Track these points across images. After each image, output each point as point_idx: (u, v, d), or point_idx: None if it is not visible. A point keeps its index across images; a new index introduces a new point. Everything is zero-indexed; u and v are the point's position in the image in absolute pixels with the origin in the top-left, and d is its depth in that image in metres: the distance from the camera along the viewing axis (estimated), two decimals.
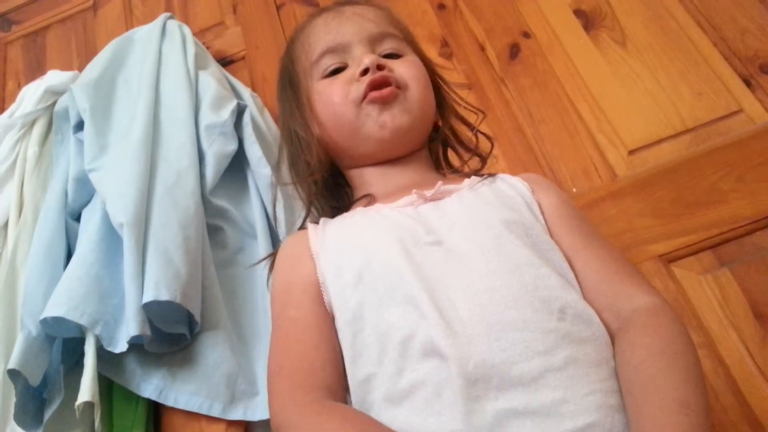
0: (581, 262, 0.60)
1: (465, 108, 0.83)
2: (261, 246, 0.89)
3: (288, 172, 0.79)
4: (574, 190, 0.97)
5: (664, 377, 0.48)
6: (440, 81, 0.81)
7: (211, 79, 1.05)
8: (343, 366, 0.58)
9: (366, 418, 0.52)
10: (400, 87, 0.69)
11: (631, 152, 0.98)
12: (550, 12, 1.16)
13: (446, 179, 0.70)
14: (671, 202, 0.91)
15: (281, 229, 0.87)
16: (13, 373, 0.71)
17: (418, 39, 1.21)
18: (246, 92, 1.11)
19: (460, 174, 0.75)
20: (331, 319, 0.60)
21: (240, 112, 1.01)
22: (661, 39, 1.06)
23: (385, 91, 0.68)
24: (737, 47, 1.01)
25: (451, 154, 0.83)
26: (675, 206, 0.90)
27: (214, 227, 0.91)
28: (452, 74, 1.16)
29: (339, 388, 0.57)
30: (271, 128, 1.07)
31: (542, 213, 0.65)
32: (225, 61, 1.30)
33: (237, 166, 0.98)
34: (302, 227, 0.72)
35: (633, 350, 0.51)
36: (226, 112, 0.97)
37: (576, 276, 0.59)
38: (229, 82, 1.14)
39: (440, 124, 0.79)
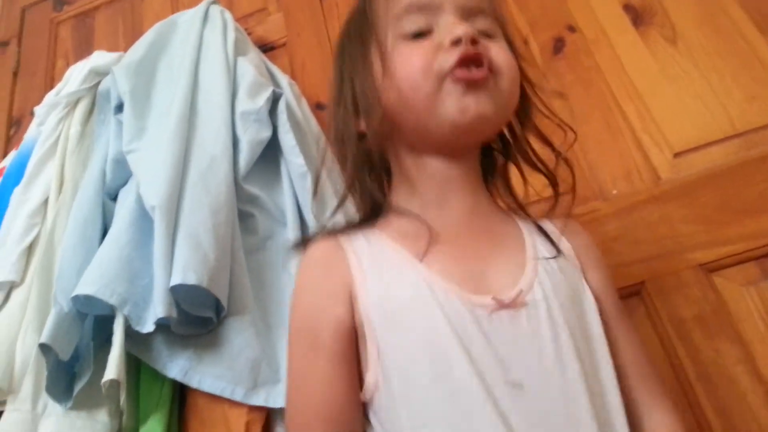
0: (622, 358, 0.59)
1: (552, 120, 0.70)
2: (291, 234, 0.89)
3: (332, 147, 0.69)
4: (615, 192, 0.94)
5: None
6: (527, 81, 0.69)
7: (249, 66, 1.05)
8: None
9: None
10: (493, 71, 0.60)
11: (676, 155, 0.94)
12: (598, 5, 1.11)
13: (501, 210, 0.66)
14: (716, 209, 0.87)
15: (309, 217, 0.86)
16: (44, 348, 0.73)
17: None
18: (284, 80, 1.11)
19: (516, 209, 0.68)
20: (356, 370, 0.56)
21: (275, 99, 1.01)
22: (714, 38, 1.02)
23: (476, 73, 0.58)
24: None
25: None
26: (720, 213, 0.86)
27: (245, 213, 0.92)
28: None
29: None
30: (308, 117, 1.07)
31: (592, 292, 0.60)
32: (266, 48, 1.31)
33: (270, 153, 0.98)
34: (333, 232, 0.64)
35: None
36: (262, 99, 0.97)
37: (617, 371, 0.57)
38: (268, 69, 1.14)
39: (513, 132, 0.70)
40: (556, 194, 0.69)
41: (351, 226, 0.64)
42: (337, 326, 0.56)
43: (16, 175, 1.05)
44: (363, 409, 0.56)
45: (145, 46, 1.11)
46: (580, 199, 0.95)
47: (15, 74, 1.55)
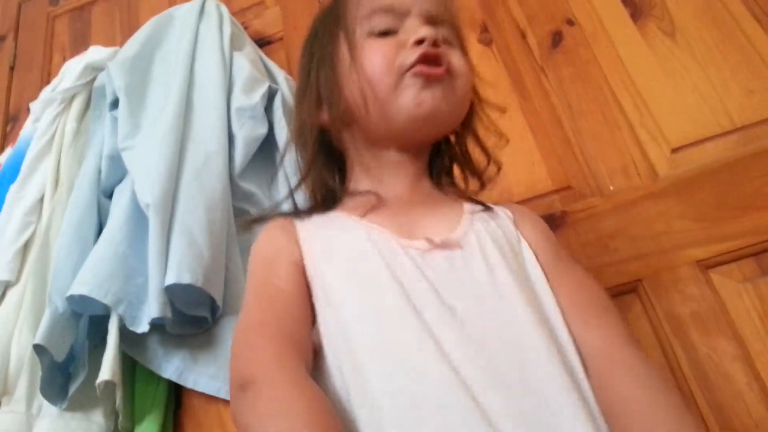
0: (564, 297, 0.60)
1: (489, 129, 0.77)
2: None
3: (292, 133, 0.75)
4: (611, 188, 0.93)
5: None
6: (475, 91, 0.76)
7: (245, 61, 1.05)
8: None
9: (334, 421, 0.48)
10: (450, 73, 0.65)
11: (674, 150, 0.94)
12: None
13: (443, 191, 0.70)
14: (714, 205, 0.86)
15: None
16: (38, 348, 0.73)
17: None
18: (281, 75, 1.11)
19: (455, 190, 0.72)
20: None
21: (271, 95, 1.00)
22: (713, 31, 1.01)
23: (436, 69, 0.63)
24: None
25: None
26: (717, 209, 0.86)
27: (241, 210, 0.92)
28: (491, 62, 1.13)
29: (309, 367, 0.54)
30: None
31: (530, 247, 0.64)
32: (263, 42, 1.30)
33: (266, 149, 0.97)
34: (288, 214, 0.68)
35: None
36: (257, 95, 0.97)
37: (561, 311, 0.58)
38: (264, 64, 1.13)
39: (455, 134, 0.75)
40: (482, 188, 0.75)
41: (305, 211, 0.69)
42: (291, 262, 0.60)
43: (12, 172, 1.05)
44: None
45: (140, 42, 1.11)
46: (578, 195, 0.95)
47: (12, 69, 1.54)
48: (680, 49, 1.01)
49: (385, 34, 0.66)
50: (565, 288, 0.61)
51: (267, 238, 0.65)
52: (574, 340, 0.56)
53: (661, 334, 0.80)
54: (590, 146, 0.98)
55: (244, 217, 0.74)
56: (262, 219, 0.69)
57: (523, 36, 1.14)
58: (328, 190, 0.70)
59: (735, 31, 0.99)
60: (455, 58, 0.67)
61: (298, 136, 0.73)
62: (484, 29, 1.17)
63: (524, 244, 0.64)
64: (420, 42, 0.63)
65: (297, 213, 0.69)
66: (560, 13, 1.13)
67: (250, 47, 1.16)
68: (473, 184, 0.76)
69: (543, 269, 0.62)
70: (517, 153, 1.02)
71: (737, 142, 0.91)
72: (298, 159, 0.74)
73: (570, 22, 1.11)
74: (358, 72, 0.65)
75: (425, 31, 0.63)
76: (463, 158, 0.76)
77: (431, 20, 0.67)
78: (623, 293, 0.84)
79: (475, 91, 0.75)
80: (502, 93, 1.08)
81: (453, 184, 0.75)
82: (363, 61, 0.65)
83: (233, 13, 1.27)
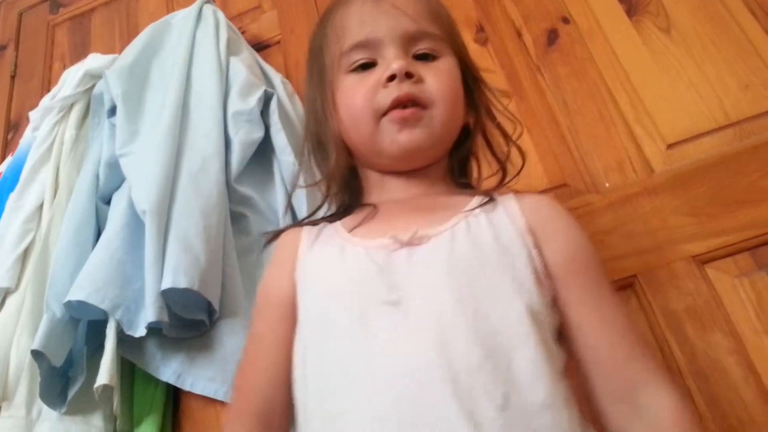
0: (586, 334, 0.57)
1: (503, 115, 0.76)
2: None
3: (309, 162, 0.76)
4: (607, 184, 0.93)
5: None
6: (480, 83, 0.76)
7: (241, 66, 1.05)
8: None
9: None
10: (426, 106, 0.65)
11: (669, 146, 0.93)
12: None
13: (458, 193, 0.69)
14: (709, 201, 0.86)
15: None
16: (36, 354, 0.73)
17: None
18: (277, 78, 1.11)
19: (471, 191, 0.70)
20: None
21: (267, 99, 1.01)
22: (708, 26, 1.00)
23: (407, 112, 0.64)
24: None
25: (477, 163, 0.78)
26: (713, 205, 0.86)
27: (237, 214, 0.92)
28: (487, 61, 1.13)
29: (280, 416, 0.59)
30: (300, 115, 1.06)
31: (544, 263, 0.59)
32: (260, 46, 1.31)
33: (263, 153, 0.98)
34: (307, 222, 0.71)
35: None
36: (253, 100, 0.98)
37: (577, 350, 0.57)
38: (261, 68, 1.14)
39: (471, 128, 0.74)
40: (502, 180, 0.74)
41: (320, 219, 0.71)
42: (280, 293, 0.63)
43: (12, 180, 1.06)
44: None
45: (137, 49, 1.12)
46: (573, 192, 0.95)
47: (12, 78, 1.56)
48: (676, 45, 1.01)
49: (366, 66, 0.67)
50: (598, 332, 0.58)
51: (269, 267, 0.68)
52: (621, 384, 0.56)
53: (657, 329, 0.80)
54: (586, 143, 0.98)
55: (267, 231, 0.76)
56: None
57: (519, 34, 1.14)
58: (343, 202, 0.73)
59: (731, 25, 0.99)
60: (432, 80, 0.66)
61: (315, 166, 0.75)
62: (480, 28, 1.17)
63: (521, 255, 0.59)
64: (392, 78, 0.64)
65: (313, 221, 0.71)
66: (556, 11, 1.13)
67: (247, 52, 1.17)
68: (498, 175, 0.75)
69: (565, 301, 0.59)
70: (514, 150, 1.02)
71: (733, 137, 0.91)
72: (314, 169, 0.75)
73: (565, 20, 1.11)
74: (339, 117, 0.68)
75: (396, 66, 0.64)
76: (489, 148, 0.75)
77: (409, 40, 0.67)
78: (619, 289, 0.84)
79: (478, 78, 0.75)
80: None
81: (468, 183, 0.75)
82: (341, 106, 0.68)
83: (230, 18, 1.28)
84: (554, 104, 1.04)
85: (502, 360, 0.51)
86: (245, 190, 0.93)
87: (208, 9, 1.21)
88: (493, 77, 1.11)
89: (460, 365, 0.50)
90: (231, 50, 1.12)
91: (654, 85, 0.99)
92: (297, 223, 0.73)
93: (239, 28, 1.29)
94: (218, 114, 0.97)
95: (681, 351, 0.78)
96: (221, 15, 1.21)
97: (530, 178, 0.99)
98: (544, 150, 1.01)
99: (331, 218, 0.70)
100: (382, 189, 0.70)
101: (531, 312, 0.54)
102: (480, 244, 0.59)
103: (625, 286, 0.85)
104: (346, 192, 0.73)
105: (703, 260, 0.83)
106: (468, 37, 1.17)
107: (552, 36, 1.12)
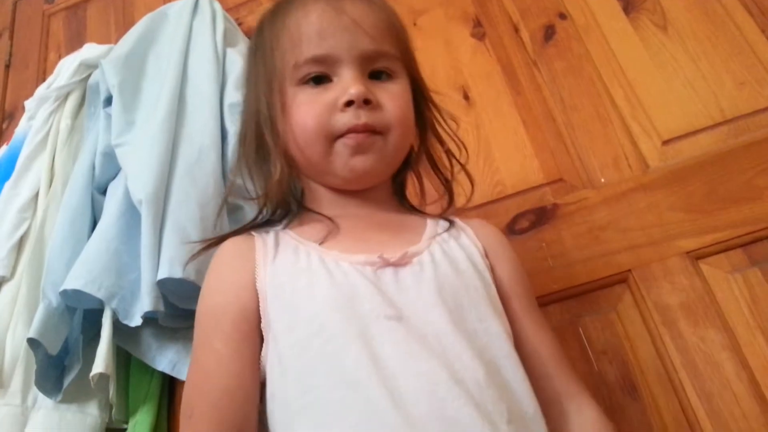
0: (530, 346, 0.62)
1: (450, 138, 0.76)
2: None
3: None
4: (603, 180, 0.94)
5: None
6: (429, 103, 0.75)
7: (238, 57, 1.05)
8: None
9: None
10: (382, 132, 0.64)
11: (665, 142, 0.94)
12: None
13: (406, 212, 0.71)
14: (704, 197, 0.87)
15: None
16: (32, 342, 0.73)
17: (451, 18, 1.21)
18: None
19: (418, 212, 0.72)
20: (258, 354, 0.57)
21: None
22: (704, 23, 1.01)
23: (362, 137, 0.63)
24: None
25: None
26: (707, 201, 0.86)
27: (234, 205, 0.92)
28: (484, 56, 1.13)
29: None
30: None
31: (494, 280, 0.63)
32: None
33: None
34: (248, 230, 0.67)
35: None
36: None
37: (522, 358, 0.58)
38: None
39: (416, 149, 0.74)
40: (449, 205, 0.74)
41: (263, 224, 0.68)
42: (242, 306, 0.58)
43: (7, 170, 1.05)
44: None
45: (134, 39, 1.11)
46: (569, 187, 0.96)
47: (7, 67, 1.55)
48: (672, 42, 1.02)
49: (319, 79, 0.65)
50: (538, 344, 0.63)
51: (217, 275, 0.63)
52: (545, 390, 0.59)
53: (651, 324, 0.81)
54: (582, 139, 0.99)
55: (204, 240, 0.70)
56: (219, 242, 0.67)
57: (516, 30, 1.14)
58: (286, 205, 0.69)
59: (727, 23, 1.00)
60: (388, 103, 0.65)
61: (257, 151, 0.70)
62: (477, 23, 1.18)
63: (487, 278, 0.63)
64: (350, 103, 0.62)
65: (256, 226, 0.68)
66: (553, 7, 1.13)
67: (244, 43, 1.17)
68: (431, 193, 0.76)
69: (513, 317, 0.63)
70: (510, 146, 1.02)
71: (728, 134, 0.91)
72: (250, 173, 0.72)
73: (562, 16, 1.12)
74: (290, 132, 0.65)
75: (353, 92, 0.62)
76: (434, 170, 0.75)
77: (366, 60, 0.65)
78: (613, 284, 0.85)
79: (430, 102, 0.75)
80: (495, 87, 1.09)
81: (413, 207, 0.74)
82: (294, 121, 0.64)
83: (227, 10, 1.27)
84: (550, 100, 1.05)
85: (499, 376, 0.53)
86: (241, 181, 0.93)
87: (205, 0, 1.20)
88: (490, 72, 1.12)
89: (471, 381, 0.51)
90: (228, 41, 1.12)
91: (650, 81, 1.00)
92: (238, 229, 0.69)
93: (236, 20, 1.29)
94: (215, 105, 0.97)
95: (674, 346, 0.79)
96: (218, 6, 1.21)
97: (526, 173, 0.99)
98: (539, 145, 1.01)
99: (269, 224, 0.68)
100: (334, 204, 0.68)
101: (506, 330, 0.58)
102: (458, 266, 0.61)
103: (619, 281, 0.85)
104: (287, 199, 0.70)
105: (697, 256, 0.84)
106: (465, 32, 1.17)
107: (549, 32, 1.12)
